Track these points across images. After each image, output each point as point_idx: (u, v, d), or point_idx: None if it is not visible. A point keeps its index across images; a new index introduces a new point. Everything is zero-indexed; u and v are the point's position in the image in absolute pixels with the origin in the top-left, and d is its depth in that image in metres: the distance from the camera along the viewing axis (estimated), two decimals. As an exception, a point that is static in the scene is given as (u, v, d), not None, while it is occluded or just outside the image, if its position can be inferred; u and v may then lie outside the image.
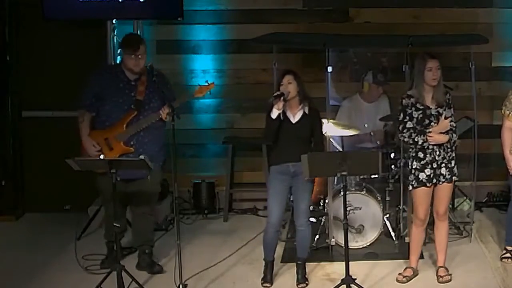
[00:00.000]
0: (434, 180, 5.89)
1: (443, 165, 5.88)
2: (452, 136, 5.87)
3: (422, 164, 5.89)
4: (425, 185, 5.89)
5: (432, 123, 5.85)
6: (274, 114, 5.82)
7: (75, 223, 6.88)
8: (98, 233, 7.23)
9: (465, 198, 7.69)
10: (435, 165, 5.88)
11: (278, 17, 7.89)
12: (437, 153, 5.86)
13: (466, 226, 6.98)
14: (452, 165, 5.91)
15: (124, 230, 6.49)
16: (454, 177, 5.92)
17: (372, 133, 7.19)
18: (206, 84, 6.14)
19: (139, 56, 6.04)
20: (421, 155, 5.89)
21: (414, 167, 5.91)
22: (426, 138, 5.82)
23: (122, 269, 5.72)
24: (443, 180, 5.89)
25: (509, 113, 6.21)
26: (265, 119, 5.91)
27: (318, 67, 7.09)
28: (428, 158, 5.88)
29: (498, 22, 7.85)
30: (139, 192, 6.23)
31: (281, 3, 7.92)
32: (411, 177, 5.93)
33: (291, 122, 5.94)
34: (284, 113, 5.90)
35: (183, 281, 5.90)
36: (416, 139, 5.85)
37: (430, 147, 5.86)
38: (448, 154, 5.89)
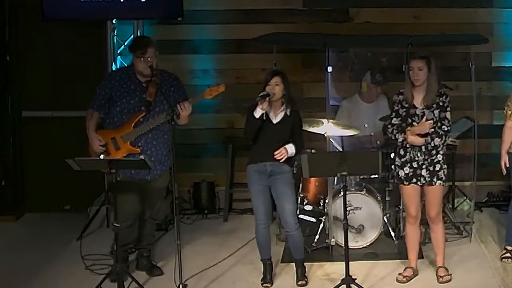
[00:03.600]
0: (414, 180, 5.89)
1: (424, 166, 5.87)
2: (435, 140, 5.82)
3: (402, 162, 5.92)
4: (402, 183, 5.91)
5: (415, 123, 5.86)
6: (258, 113, 5.82)
7: (76, 223, 6.88)
8: (98, 233, 7.24)
9: (465, 198, 7.69)
10: (415, 165, 5.88)
11: (278, 17, 7.89)
12: (417, 153, 5.87)
13: (466, 226, 6.98)
14: (436, 168, 5.86)
15: (132, 242, 6.33)
16: (439, 181, 5.87)
17: (372, 133, 7.19)
18: (216, 86, 6.11)
19: (149, 59, 5.99)
20: (402, 152, 5.93)
21: (396, 163, 5.96)
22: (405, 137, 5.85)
23: (122, 269, 5.72)
24: (424, 181, 5.88)
25: (511, 113, 6.22)
26: (247, 117, 5.90)
27: (318, 67, 7.09)
28: (408, 156, 5.89)
29: (498, 22, 7.85)
30: (145, 194, 6.19)
31: (281, 3, 7.93)
32: (394, 173, 5.99)
33: (272, 123, 5.93)
34: (266, 112, 5.90)
35: (183, 281, 5.90)
36: (396, 136, 5.88)
37: (409, 146, 5.88)
38: (432, 157, 5.86)
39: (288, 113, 5.93)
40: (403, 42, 6.67)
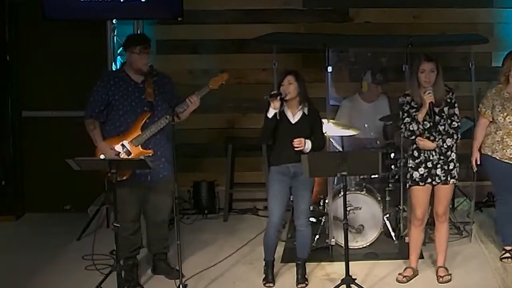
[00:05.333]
0: (429, 180, 5.89)
1: (438, 166, 5.87)
2: (447, 141, 5.83)
3: (416, 163, 5.90)
4: (418, 184, 5.90)
5: (426, 122, 5.84)
6: (270, 113, 5.83)
7: (76, 223, 6.86)
8: (98, 233, 7.22)
9: (465, 198, 7.69)
10: (430, 165, 5.88)
11: (278, 17, 7.90)
12: (432, 153, 5.87)
13: (466, 226, 6.98)
14: (451, 167, 5.88)
15: (139, 248, 6.27)
16: (452, 180, 5.89)
17: (372, 134, 7.18)
18: (219, 75, 6.04)
19: (149, 55, 5.94)
20: (416, 153, 5.91)
21: (409, 165, 5.94)
22: (418, 127, 5.79)
23: (122, 269, 5.72)
24: (438, 181, 5.88)
25: (485, 110, 6.25)
26: (264, 118, 5.91)
27: (318, 67, 7.10)
28: (422, 157, 5.88)
29: (498, 22, 7.85)
30: (158, 197, 6.09)
31: (281, 3, 7.93)
32: (407, 176, 5.96)
33: (291, 122, 5.94)
34: (283, 113, 5.91)
35: (183, 281, 5.90)
36: (411, 128, 5.83)
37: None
38: (446, 156, 5.88)
39: (306, 112, 5.94)
40: (403, 42, 6.68)
